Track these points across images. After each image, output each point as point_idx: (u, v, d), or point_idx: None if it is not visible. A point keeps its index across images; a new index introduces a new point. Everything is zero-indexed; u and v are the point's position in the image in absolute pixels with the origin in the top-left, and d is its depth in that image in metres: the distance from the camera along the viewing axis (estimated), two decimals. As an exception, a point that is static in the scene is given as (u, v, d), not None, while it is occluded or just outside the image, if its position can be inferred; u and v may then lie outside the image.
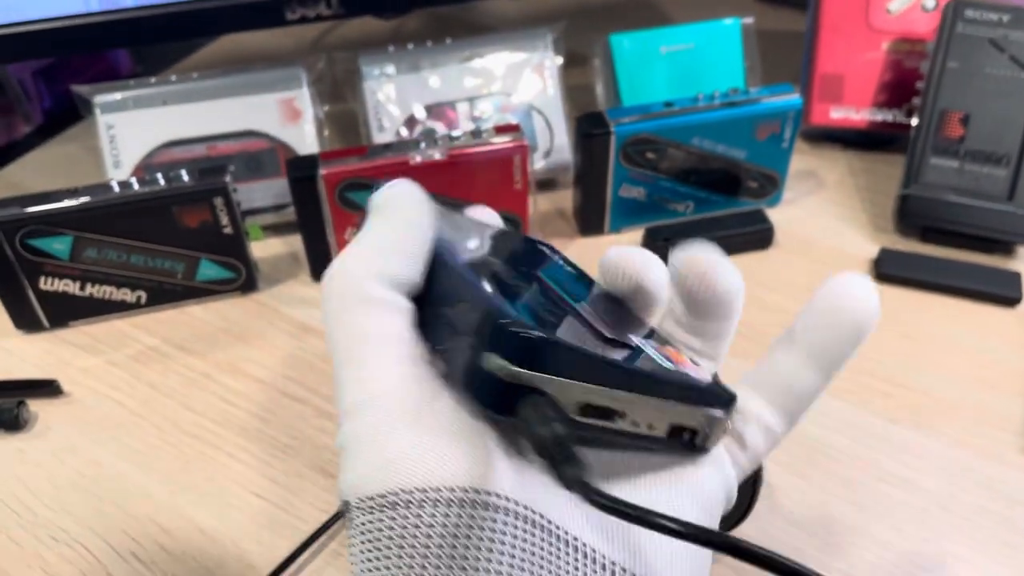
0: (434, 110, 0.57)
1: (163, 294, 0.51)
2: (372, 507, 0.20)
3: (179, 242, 0.49)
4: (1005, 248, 0.53)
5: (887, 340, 0.48)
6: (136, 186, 0.47)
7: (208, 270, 0.50)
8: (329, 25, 0.79)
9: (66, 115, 0.70)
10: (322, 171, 0.48)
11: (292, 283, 0.53)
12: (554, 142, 0.58)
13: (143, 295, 0.50)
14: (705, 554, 0.23)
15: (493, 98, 0.58)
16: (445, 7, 0.79)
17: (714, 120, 0.52)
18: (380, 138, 0.57)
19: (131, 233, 0.48)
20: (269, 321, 0.51)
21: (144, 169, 0.55)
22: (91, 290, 0.49)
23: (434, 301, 0.23)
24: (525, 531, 0.20)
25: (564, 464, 0.19)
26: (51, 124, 0.71)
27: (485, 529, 0.19)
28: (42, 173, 0.64)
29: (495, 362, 0.20)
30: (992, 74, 0.53)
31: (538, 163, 0.58)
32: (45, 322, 0.50)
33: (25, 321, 0.50)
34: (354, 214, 0.50)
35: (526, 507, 0.20)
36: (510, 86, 0.58)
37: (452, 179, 0.50)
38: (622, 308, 0.27)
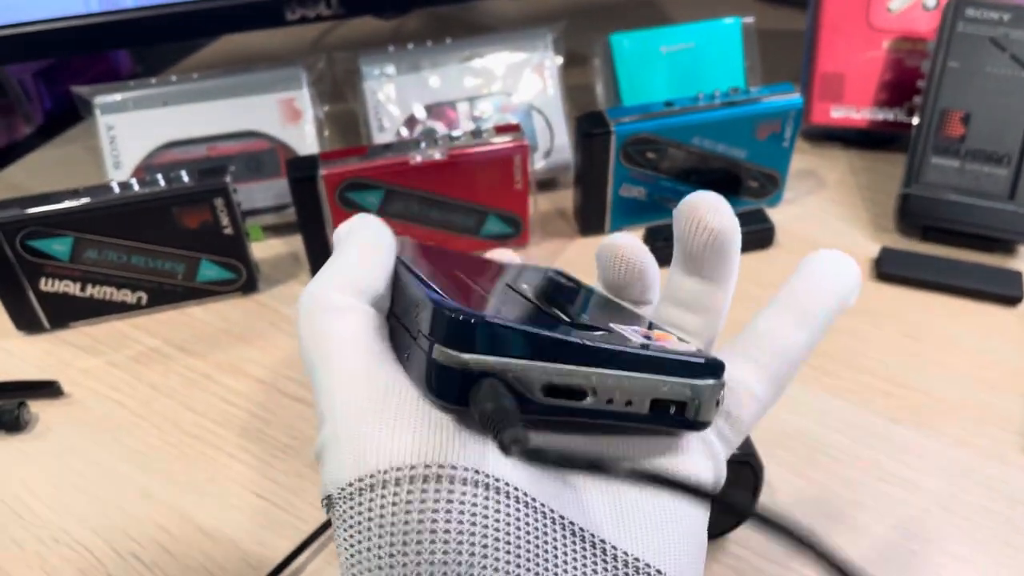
0: (434, 110, 0.57)
1: (164, 295, 0.51)
2: (351, 493, 0.20)
3: (179, 243, 0.49)
4: (1006, 247, 0.53)
5: (888, 339, 0.48)
6: (136, 187, 0.47)
7: (208, 271, 0.50)
8: (329, 25, 0.79)
9: (66, 116, 0.70)
10: (322, 171, 0.48)
11: (293, 283, 0.53)
12: (554, 142, 0.58)
13: (144, 296, 0.50)
14: (701, 532, 0.23)
15: (493, 98, 0.58)
16: (445, 7, 0.79)
17: (714, 120, 0.52)
18: (380, 138, 0.57)
19: (131, 234, 0.48)
20: (270, 322, 0.51)
21: (144, 170, 0.55)
22: (91, 291, 0.49)
23: (398, 315, 0.24)
24: (518, 510, 0.20)
25: (501, 431, 0.19)
26: (52, 125, 0.71)
27: (478, 506, 0.20)
28: (42, 174, 0.64)
29: (442, 352, 0.20)
30: (993, 73, 0.53)
31: (538, 163, 0.58)
32: (46, 323, 0.50)
33: (26, 322, 0.50)
34: (355, 214, 0.50)
35: (516, 488, 0.21)
36: (510, 86, 0.58)
37: (452, 179, 0.50)
38: (616, 306, 0.27)
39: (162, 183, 0.47)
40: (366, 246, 0.25)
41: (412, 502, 0.20)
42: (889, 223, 0.56)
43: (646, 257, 0.28)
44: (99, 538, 0.39)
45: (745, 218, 0.54)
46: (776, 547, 0.38)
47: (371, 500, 0.20)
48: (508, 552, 0.20)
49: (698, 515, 0.23)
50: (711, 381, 0.22)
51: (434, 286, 0.22)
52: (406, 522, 0.20)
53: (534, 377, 0.21)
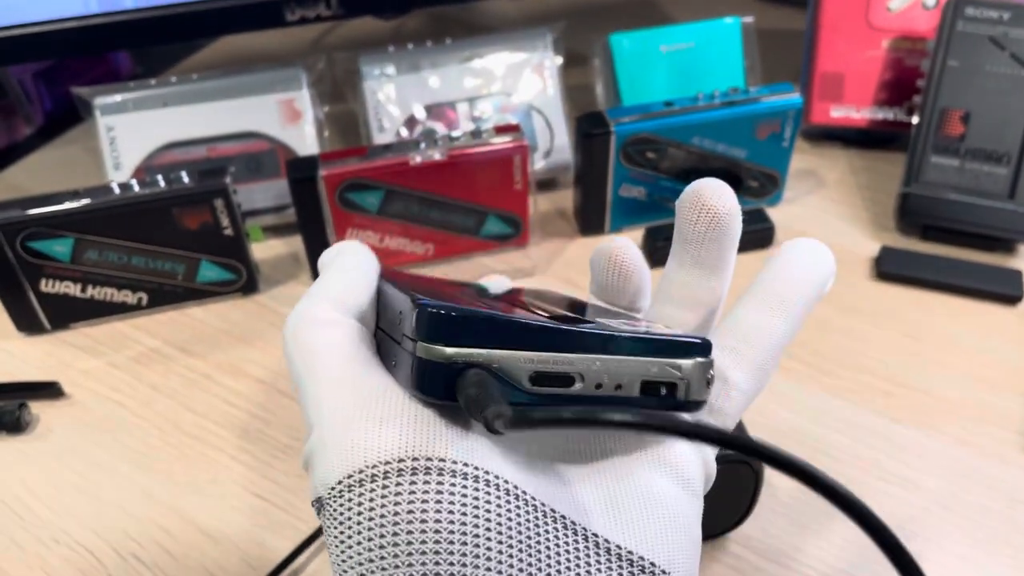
0: (434, 110, 0.57)
1: (164, 296, 0.51)
2: (340, 491, 0.20)
3: (180, 244, 0.49)
4: (1006, 246, 0.53)
5: (888, 339, 0.48)
6: (136, 188, 0.47)
7: (209, 271, 0.50)
8: (329, 25, 0.79)
9: (67, 117, 0.70)
10: (322, 172, 0.48)
11: (293, 284, 0.53)
12: (554, 142, 0.58)
13: (144, 297, 0.50)
14: (694, 524, 0.23)
15: (493, 98, 0.58)
16: (445, 7, 0.79)
17: (714, 119, 0.52)
18: (380, 138, 0.57)
19: (132, 235, 0.48)
20: (270, 322, 0.51)
21: (144, 171, 0.55)
22: (92, 292, 0.49)
23: (385, 329, 0.24)
24: (508, 503, 0.20)
25: (484, 410, 0.19)
26: (52, 126, 0.71)
27: (467, 498, 0.20)
28: (43, 175, 0.64)
29: (424, 348, 0.20)
30: (993, 72, 0.53)
31: (538, 163, 0.58)
32: (46, 324, 0.50)
33: (26, 323, 0.50)
34: (354, 215, 0.50)
35: (507, 481, 0.21)
36: (510, 86, 0.58)
37: (452, 179, 0.50)
38: (604, 309, 0.27)
39: (162, 184, 0.47)
40: (349, 267, 0.26)
41: (401, 494, 0.20)
42: (889, 222, 0.56)
43: (639, 261, 0.28)
44: (100, 539, 0.39)
45: (745, 218, 0.53)
46: (776, 546, 0.38)
47: (360, 495, 0.20)
48: (499, 543, 0.20)
49: (692, 507, 0.23)
50: (699, 359, 0.22)
51: (417, 293, 0.22)
52: (396, 514, 0.20)
53: (519, 366, 0.21)
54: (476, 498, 0.20)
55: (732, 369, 0.24)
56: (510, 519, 0.20)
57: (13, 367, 0.48)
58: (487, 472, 0.21)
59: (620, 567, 0.21)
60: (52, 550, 0.39)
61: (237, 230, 0.49)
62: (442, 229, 0.52)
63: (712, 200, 0.25)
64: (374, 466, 0.20)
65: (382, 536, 0.20)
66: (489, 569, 0.19)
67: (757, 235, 0.54)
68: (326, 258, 0.27)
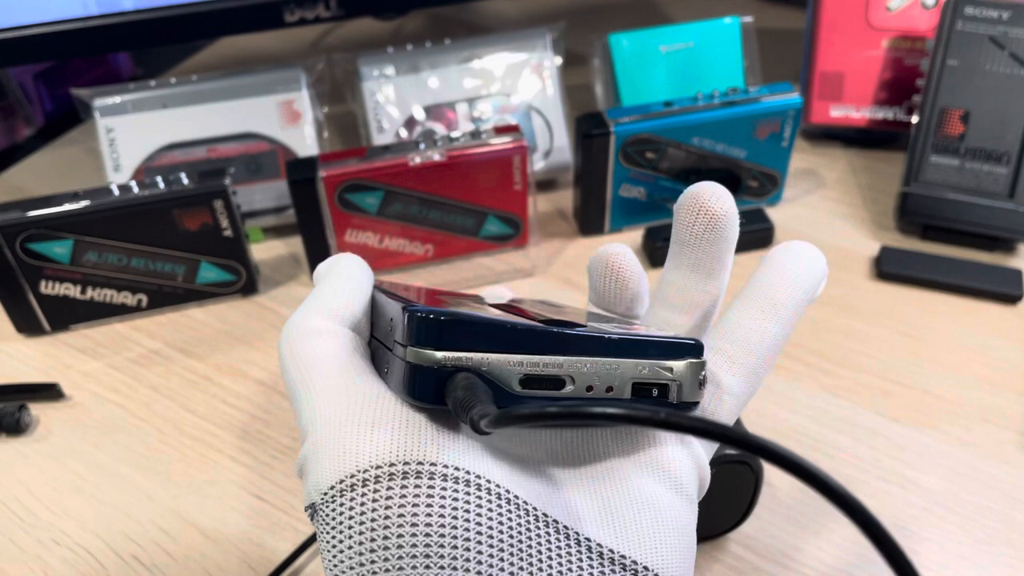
0: (433, 111, 0.57)
1: (164, 297, 0.51)
2: (333, 496, 0.20)
3: (179, 245, 0.49)
4: (1006, 246, 0.53)
5: (888, 338, 0.48)
6: (136, 189, 0.47)
7: (208, 273, 0.50)
8: (328, 26, 0.79)
9: (67, 118, 0.70)
10: (322, 173, 0.48)
11: (293, 285, 0.53)
12: (554, 142, 0.58)
13: (144, 298, 0.50)
14: (688, 529, 0.23)
15: (492, 99, 0.58)
16: (444, 7, 0.79)
17: (714, 119, 0.52)
18: (380, 139, 0.57)
19: (131, 236, 0.48)
20: (270, 323, 0.51)
21: (144, 172, 0.55)
22: (92, 293, 0.49)
23: (379, 338, 0.24)
24: (500, 507, 0.20)
25: (470, 411, 0.19)
26: (52, 127, 0.71)
27: (459, 502, 0.20)
28: (43, 176, 0.64)
29: (414, 352, 0.20)
30: (992, 71, 0.53)
31: (538, 163, 0.58)
32: (46, 326, 0.50)
33: (26, 325, 0.50)
34: (354, 216, 0.50)
35: (498, 485, 0.21)
36: (509, 87, 0.58)
37: (452, 180, 0.50)
38: (597, 315, 0.27)
39: (161, 185, 0.47)
40: (342, 278, 0.26)
41: (392, 498, 0.20)
42: (889, 222, 0.56)
43: (636, 268, 0.28)
44: (100, 540, 0.39)
45: (745, 218, 0.54)
46: (777, 546, 0.38)
47: (351, 499, 0.20)
48: (490, 547, 0.20)
49: (685, 511, 0.23)
50: (691, 360, 0.23)
51: (405, 297, 0.22)
52: (386, 517, 0.20)
53: (509, 370, 0.21)
54: (467, 502, 0.20)
55: (724, 373, 0.24)
56: (501, 523, 0.20)
57: (13, 369, 0.49)
58: (478, 476, 0.21)
59: (612, 571, 0.21)
60: (52, 551, 0.39)
61: (237, 231, 0.49)
62: (442, 230, 0.52)
63: (710, 203, 0.25)
64: (365, 471, 0.20)
65: (372, 540, 0.20)
66: (480, 573, 0.20)
67: (757, 235, 0.54)
68: (322, 270, 0.27)
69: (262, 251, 0.56)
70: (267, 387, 0.47)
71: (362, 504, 0.20)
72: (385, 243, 0.52)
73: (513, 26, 0.69)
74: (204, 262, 0.50)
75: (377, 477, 0.20)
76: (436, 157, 0.49)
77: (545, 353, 0.21)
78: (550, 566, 0.20)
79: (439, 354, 0.20)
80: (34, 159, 0.66)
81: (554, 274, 0.53)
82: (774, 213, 0.56)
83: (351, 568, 0.20)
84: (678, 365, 0.22)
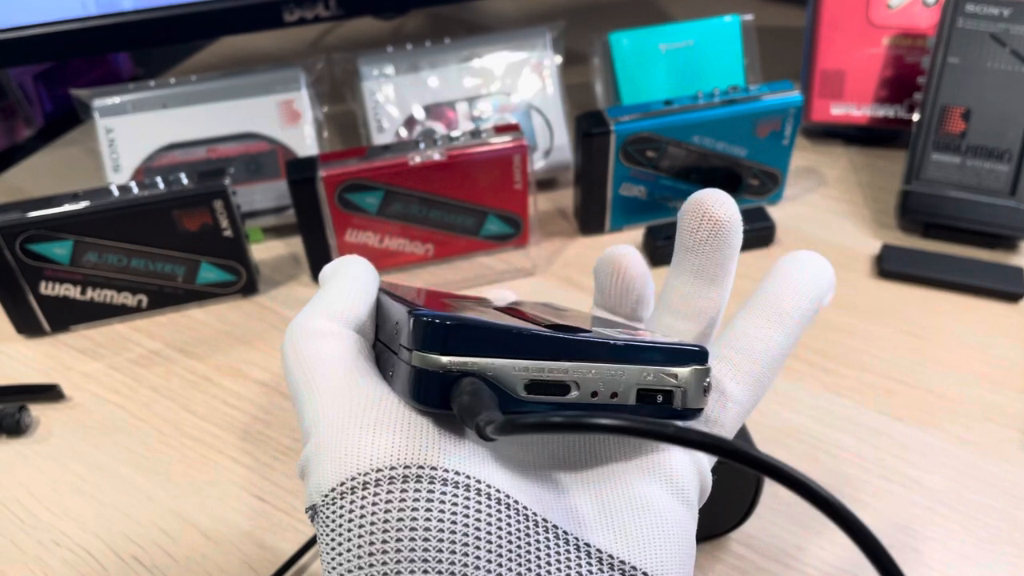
0: (433, 110, 0.57)
1: (164, 298, 0.51)
2: (333, 498, 0.20)
3: (179, 245, 0.49)
4: (1008, 243, 0.53)
5: (889, 337, 0.48)
6: (135, 190, 0.47)
7: (209, 273, 0.50)
8: (328, 26, 0.79)
9: (67, 119, 0.70)
10: (321, 173, 0.48)
11: (293, 285, 0.53)
12: (554, 141, 0.58)
13: (144, 299, 0.50)
14: (688, 534, 0.23)
15: (492, 98, 0.58)
16: (443, 7, 0.79)
17: (714, 118, 0.51)
18: (380, 139, 0.57)
19: (131, 237, 0.48)
20: (270, 323, 0.51)
21: (144, 172, 0.55)
22: (92, 294, 0.49)
23: (384, 341, 0.24)
24: (499, 512, 0.20)
25: (475, 417, 0.19)
26: (52, 127, 0.71)
27: (458, 507, 0.20)
28: (43, 177, 0.64)
29: (420, 357, 0.20)
30: (993, 69, 0.53)
31: (538, 163, 0.58)
32: (46, 327, 0.50)
33: (26, 326, 0.50)
34: (354, 215, 0.50)
35: (499, 490, 0.21)
36: (509, 86, 0.58)
37: (452, 179, 0.50)
38: (601, 319, 0.27)
39: (161, 186, 0.47)
40: (348, 280, 0.26)
41: (392, 501, 0.20)
42: (890, 220, 0.55)
43: (643, 270, 0.28)
44: (100, 541, 0.39)
45: (746, 216, 0.54)
46: (779, 546, 0.38)
47: (351, 502, 0.20)
48: (489, 552, 0.20)
49: (686, 517, 0.23)
50: (695, 367, 0.23)
51: (414, 304, 0.22)
52: (386, 521, 0.20)
53: (514, 375, 0.21)
54: (467, 507, 0.20)
55: (729, 381, 0.24)
56: (500, 528, 0.20)
57: (13, 370, 0.48)
58: (479, 481, 0.21)
59: None
60: (52, 552, 0.39)
61: (237, 231, 0.49)
62: (442, 229, 0.52)
63: (713, 209, 0.25)
64: (366, 473, 0.20)
65: (372, 544, 0.20)
66: None
67: (758, 234, 0.54)
68: (327, 271, 0.27)
69: (262, 251, 0.56)
70: (268, 388, 0.47)
71: (361, 508, 0.20)
72: (385, 243, 0.52)
73: (513, 25, 0.69)
74: (204, 262, 0.50)
75: (378, 480, 0.20)
76: (436, 156, 0.49)
77: (550, 359, 0.21)
78: (549, 572, 0.20)
79: (444, 359, 0.20)
80: (34, 160, 0.66)
81: (555, 273, 0.53)
82: (775, 212, 0.56)
83: (349, 572, 0.20)
84: (683, 371, 0.22)
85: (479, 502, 0.20)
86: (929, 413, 0.43)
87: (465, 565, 0.19)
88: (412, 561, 0.19)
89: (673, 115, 0.51)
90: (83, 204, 0.46)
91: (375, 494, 0.20)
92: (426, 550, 0.19)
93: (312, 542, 0.38)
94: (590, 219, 0.55)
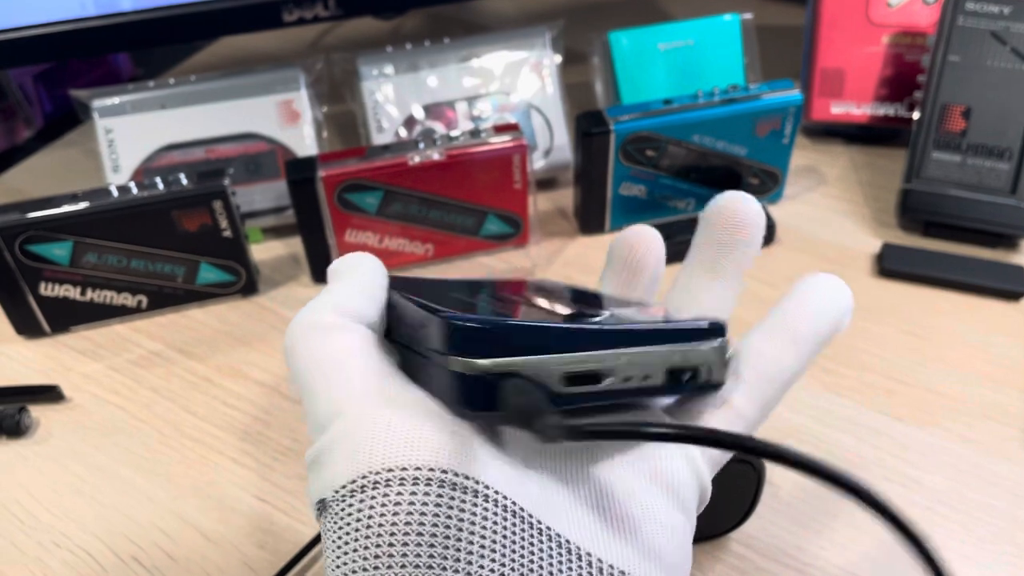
0: (433, 110, 0.57)
1: (164, 298, 0.51)
2: (344, 495, 0.20)
3: (179, 246, 0.49)
4: (1009, 242, 0.53)
5: (890, 336, 0.48)
6: (135, 190, 0.47)
7: (208, 273, 0.50)
8: (327, 26, 0.79)
9: (67, 119, 0.70)
10: (321, 173, 0.48)
11: (293, 285, 0.53)
12: (554, 141, 0.58)
13: (144, 299, 0.50)
14: (686, 543, 0.23)
15: (492, 97, 0.58)
16: (443, 6, 0.78)
17: (714, 117, 0.51)
18: (379, 139, 0.57)
19: (131, 238, 0.48)
20: (270, 324, 0.51)
21: (143, 173, 0.55)
22: (92, 295, 0.49)
23: (400, 340, 0.24)
24: (504, 519, 0.20)
25: (538, 418, 0.20)
26: (52, 128, 0.71)
27: (466, 512, 0.20)
28: (43, 177, 0.64)
29: (461, 362, 0.20)
30: (994, 67, 0.52)
31: (538, 162, 0.58)
32: (46, 328, 0.50)
33: (26, 327, 0.50)
34: (353, 215, 0.50)
35: (506, 497, 0.21)
36: (509, 85, 0.58)
37: (451, 179, 0.50)
38: (608, 297, 0.28)
39: (160, 186, 0.47)
40: (358, 276, 0.25)
41: (401, 504, 0.20)
42: (891, 219, 0.55)
43: (663, 253, 0.29)
44: (100, 542, 0.39)
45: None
46: (779, 546, 0.38)
47: (362, 501, 0.20)
48: (492, 561, 0.20)
49: (684, 525, 0.23)
50: (718, 342, 0.24)
51: (435, 305, 0.22)
52: (394, 523, 0.20)
53: (552, 370, 0.21)
54: (474, 513, 0.20)
55: (739, 399, 0.24)
56: (505, 536, 0.20)
57: (13, 371, 0.48)
58: (487, 487, 0.21)
59: None
60: (52, 554, 0.39)
61: (236, 232, 0.49)
62: (442, 229, 0.52)
63: (741, 210, 0.26)
64: (378, 472, 0.20)
65: (378, 546, 0.20)
66: None
67: (758, 233, 0.53)
68: (336, 267, 0.26)
69: (262, 251, 0.56)
70: (268, 388, 0.47)
71: (371, 507, 0.20)
72: (385, 243, 0.52)
73: (512, 24, 0.69)
74: (204, 263, 0.50)
75: (388, 480, 0.20)
76: (436, 156, 0.49)
77: (585, 349, 0.22)
78: None
79: (485, 362, 0.20)
80: (33, 160, 0.66)
81: (555, 273, 0.53)
82: (775, 211, 0.56)
83: (354, 572, 0.20)
84: (706, 348, 0.23)
85: (486, 509, 0.20)
86: (930, 412, 0.43)
87: (469, 574, 0.19)
88: (418, 568, 0.19)
89: (673, 114, 0.51)
90: (82, 205, 0.46)
91: (384, 495, 0.20)
92: (431, 556, 0.19)
93: (312, 544, 0.38)
94: (590, 218, 0.55)
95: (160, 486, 0.42)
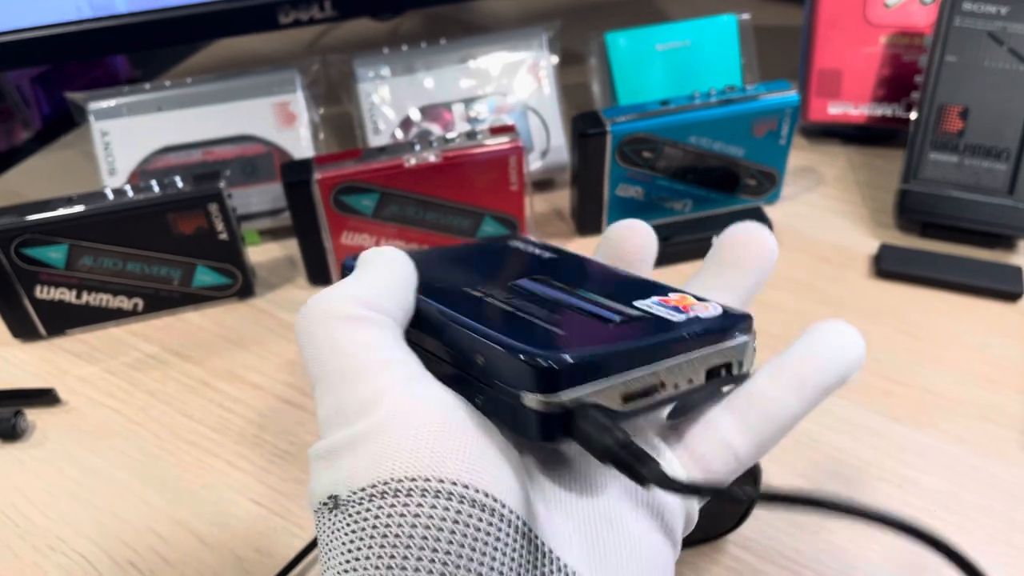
0: (429, 112, 0.57)
1: (160, 301, 0.51)
2: (363, 498, 0.20)
3: (175, 249, 0.49)
4: (1006, 243, 0.53)
5: (887, 337, 0.47)
6: (131, 193, 0.47)
7: (204, 276, 0.50)
8: (323, 28, 0.78)
9: (64, 121, 0.70)
10: (317, 175, 0.48)
11: (289, 288, 0.53)
12: (550, 142, 0.58)
13: (140, 302, 0.50)
14: (668, 568, 0.23)
15: (488, 99, 0.58)
16: (439, 7, 0.78)
17: (711, 118, 0.51)
18: (375, 141, 0.57)
19: (127, 240, 0.48)
20: (267, 327, 0.50)
21: (140, 175, 0.55)
22: (88, 298, 0.49)
23: (435, 352, 0.24)
24: (515, 541, 0.20)
25: (639, 465, 0.20)
26: (50, 130, 0.71)
27: (481, 532, 0.20)
28: (40, 180, 0.64)
29: (539, 401, 0.21)
30: (991, 67, 0.52)
31: (535, 163, 0.58)
32: (42, 331, 0.50)
33: (22, 330, 0.50)
34: (350, 218, 0.50)
35: (519, 517, 0.20)
36: (505, 86, 0.58)
37: (448, 181, 0.50)
38: (613, 274, 0.29)
39: (156, 189, 0.47)
40: (384, 268, 0.24)
41: (420, 516, 0.19)
42: (888, 219, 0.55)
43: (654, 245, 0.31)
44: (96, 546, 0.39)
45: (743, 216, 0.54)
46: (776, 548, 0.38)
47: (380, 507, 0.20)
48: None
49: (669, 555, 0.23)
50: (748, 337, 0.26)
51: (485, 327, 0.22)
52: (411, 536, 0.19)
53: (616, 390, 0.22)
54: (488, 532, 0.20)
55: (737, 439, 0.24)
56: (513, 559, 0.20)
57: (9, 374, 0.48)
58: (504, 505, 0.20)
59: None
60: (48, 557, 0.39)
61: (232, 234, 0.49)
62: (438, 231, 0.52)
63: (765, 236, 0.28)
64: (400, 480, 0.20)
65: (392, 556, 0.19)
66: None
67: (755, 234, 0.53)
68: (362, 257, 0.25)
69: (258, 254, 0.56)
70: (264, 391, 0.46)
71: (389, 516, 0.20)
72: (381, 245, 0.51)
73: (509, 25, 0.69)
74: (200, 266, 0.50)
75: (410, 490, 0.20)
76: (432, 158, 0.49)
77: (642, 365, 0.22)
78: None
79: (563, 397, 0.21)
80: (30, 163, 0.66)
81: (552, 275, 0.53)
82: (772, 211, 0.56)
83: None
84: (738, 343, 0.25)
85: (500, 528, 0.20)
86: (927, 413, 0.43)
87: None
88: None
89: (670, 115, 0.51)
90: (78, 208, 0.46)
91: (404, 504, 0.20)
92: (443, 574, 0.19)
93: (309, 548, 0.38)
94: (587, 220, 0.55)
95: (156, 489, 0.42)
